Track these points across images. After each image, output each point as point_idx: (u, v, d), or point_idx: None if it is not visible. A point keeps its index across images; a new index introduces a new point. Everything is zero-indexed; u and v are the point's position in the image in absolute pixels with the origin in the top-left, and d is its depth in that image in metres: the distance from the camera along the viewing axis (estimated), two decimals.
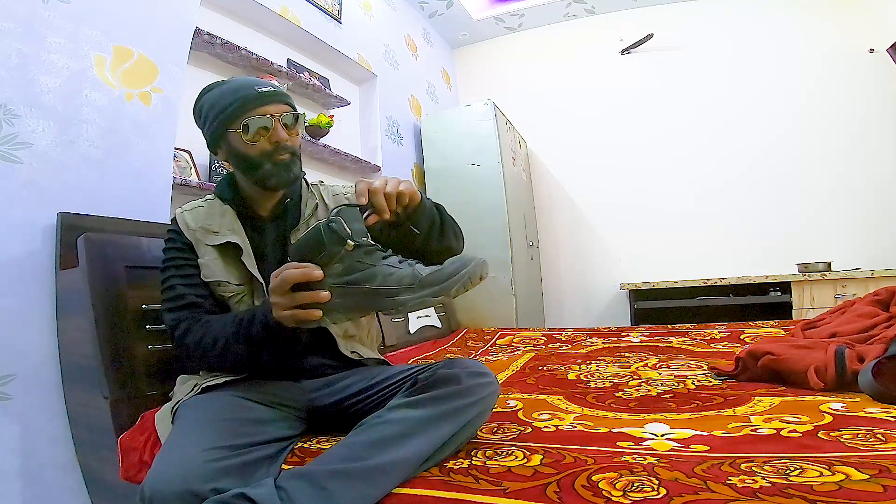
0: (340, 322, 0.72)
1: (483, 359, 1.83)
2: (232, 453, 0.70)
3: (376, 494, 0.65)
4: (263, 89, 0.92)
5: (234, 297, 0.93)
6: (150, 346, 1.09)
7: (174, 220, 0.98)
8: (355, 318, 0.73)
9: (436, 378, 0.79)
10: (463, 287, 0.68)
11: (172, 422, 0.87)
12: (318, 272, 0.70)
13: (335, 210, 0.75)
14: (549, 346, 1.97)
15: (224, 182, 1.02)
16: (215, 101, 0.94)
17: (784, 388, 1.04)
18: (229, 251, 0.94)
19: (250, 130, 0.91)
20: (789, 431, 0.75)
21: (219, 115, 0.93)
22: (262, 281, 0.93)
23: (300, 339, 0.83)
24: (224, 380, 0.88)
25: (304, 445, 0.85)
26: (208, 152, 1.68)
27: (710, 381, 1.17)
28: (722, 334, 1.79)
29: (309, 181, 1.08)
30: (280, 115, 0.92)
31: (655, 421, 0.87)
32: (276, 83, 0.98)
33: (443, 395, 0.76)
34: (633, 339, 1.88)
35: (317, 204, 1.05)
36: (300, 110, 0.99)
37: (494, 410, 0.99)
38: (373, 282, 0.70)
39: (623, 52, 3.37)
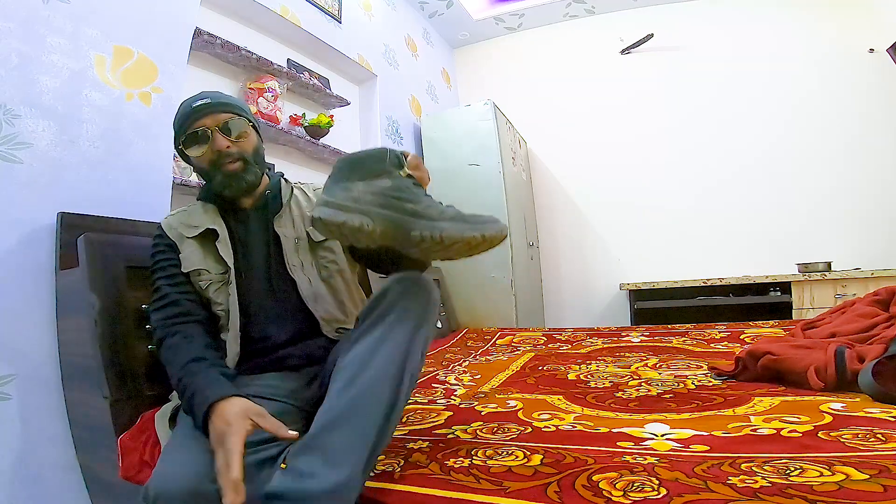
0: (364, 227, 0.73)
1: (483, 359, 1.83)
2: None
3: (366, 431, 0.67)
4: (197, 104, 0.96)
5: (212, 285, 0.96)
6: (150, 346, 1.09)
7: (159, 226, 1.01)
8: (382, 229, 0.74)
9: (369, 306, 0.81)
10: (490, 234, 0.73)
11: (174, 422, 0.87)
12: (293, 433, 0.68)
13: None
14: (549, 346, 1.97)
15: (204, 186, 1.07)
16: (173, 121, 1.01)
17: (784, 388, 1.04)
18: (208, 240, 0.98)
19: (190, 145, 0.96)
20: (789, 431, 0.75)
21: (174, 132, 1.00)
22: (231, 266, 0.97)
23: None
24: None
25: None
26: None
27: (710, 381, 1.17)
28: (722, 334, 1.79)
29: (285, 180, 1.14)
30: (218, 126, 0.96)
31: (655, 421, 0.87)
32: (223, 95, 1.01)
33: (378, 315, 0.77)
34: (633, 339, 1.88)
35: (292, 188, 1.11)
36: (250, 115, 1.02)
37: (495, 410, 0.99)
38: (417, 204, 0.75)
39: (623, 52, 3.37)
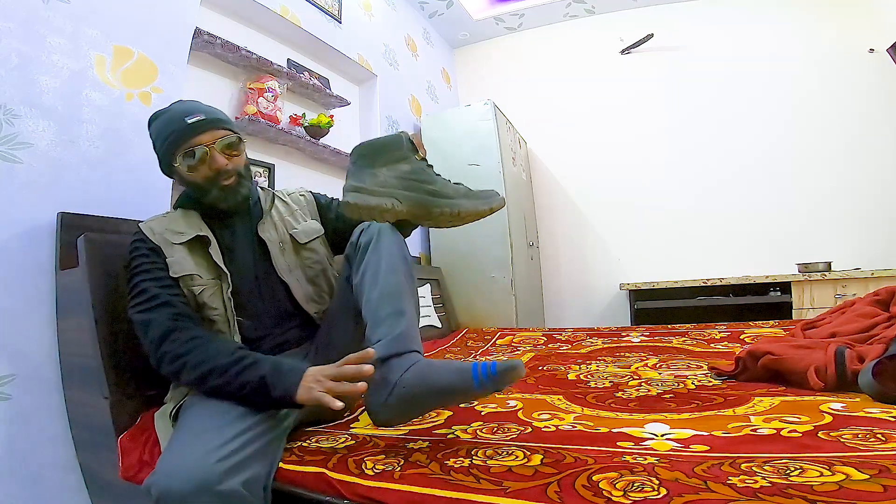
0: (394, 208, 0.84)
1: (483, 359, 1.83)
2: (244, 442, 0.72)
3: (405, 299, 0.86)
4: (192, 120, 0.96)
5: (205, 290, 0.96)
6: None
7: (137, 231, 1.00)
8: (408, 209, 0.84)
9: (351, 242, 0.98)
10: (496, 206, 0.88)
11: (174, 419, 0.88)
12: (368, 368, 0.77)
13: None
14: (549, 346, 1.97)
15: (184, 195, 1.07)
16: (157, 133, 1.00)
17: (784, 388, 1.04)
18: (197, 246, 0.98)
19: (188, 162, 0.96)
20: (789, 431, 0.75)
21: (161, 147, 0.99)
22: (227, 272, 0.98)
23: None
24: None
25: (304, 444, 0.85)
26: None
27: (710, 381, 1.17)
28: (722, 334, 1.79)
29: (261, 188, 1.19)
30: (215, 143, 0.97)
31: (655, 421, 0.87)
32: (210, 108, 1.02)
33: (365, 240, 0.94)
34: (633, 339, 1.88)
35: (273, 195, 1.15)
36: (240, 131, 1.05)
37: (495, 410, 0.99)
38: (434, 184, 0.86)
39: (623, 52, 3.37)
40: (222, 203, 1.01)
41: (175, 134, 0.96)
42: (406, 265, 0.91)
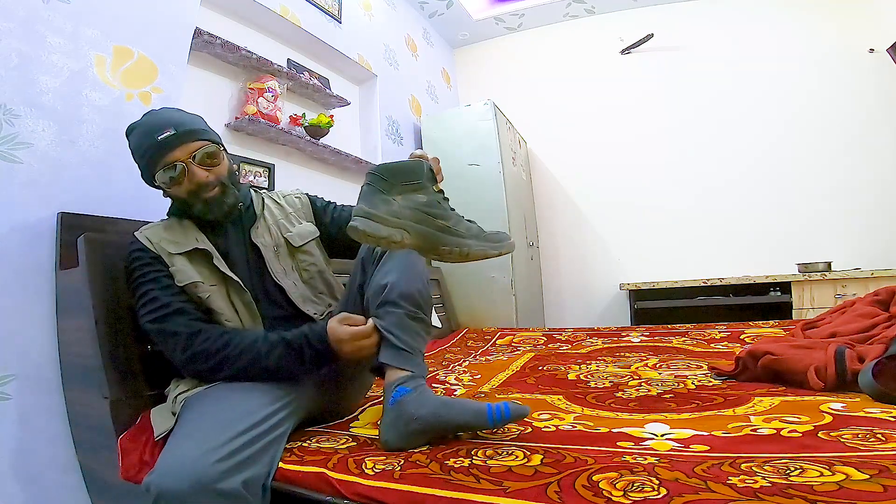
0: (403, 240, 0.82)
1: (483, 359, 1.83)
2: (244, 442, 0.73)
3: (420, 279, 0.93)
4: (162, 137, 0.93)
5: (212, 296, 0.97)
6: (150, 347, 1.09)
7: (133, 241, 0.99)
8: (416, 242, 0.83)
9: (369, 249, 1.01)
10: (505, 250, 0.87)
11: (176, 414, 0.88)
12: (368, 331, 0.89)
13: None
14: (549, 346, 1.97)
15: (175, 205, 1.06)
16: (135, 149, 0.98)
17: (784, 388, 1.04)
18: (196, 256, 0.98)
19: (165, 180, 0.96)
20: (789, 431, 0.75)
21: (140, 162, 0.98)
22: (237, 279, 0.98)
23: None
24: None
25: (304, 444, 0.85)
26: None
27: (710, 381, 1.17)
28: (722, 334, 1.79)
29: (254, 191, 1.18)
30: (192, 156, 0.95)
31: (655, 421, 0.87)
32: (184, 118, 0.99)
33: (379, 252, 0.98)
34: (633, 339, 1.88)
35: (263, 198, 1.15)
36: (219, 138, 1.04)
37: None
38: (448, 220, 0.84)
39: (623, 52, 3.37)
40: (208, 215, 1.00)
41: (149, 152, 0.95)
42: (424, 273, 0.95)
